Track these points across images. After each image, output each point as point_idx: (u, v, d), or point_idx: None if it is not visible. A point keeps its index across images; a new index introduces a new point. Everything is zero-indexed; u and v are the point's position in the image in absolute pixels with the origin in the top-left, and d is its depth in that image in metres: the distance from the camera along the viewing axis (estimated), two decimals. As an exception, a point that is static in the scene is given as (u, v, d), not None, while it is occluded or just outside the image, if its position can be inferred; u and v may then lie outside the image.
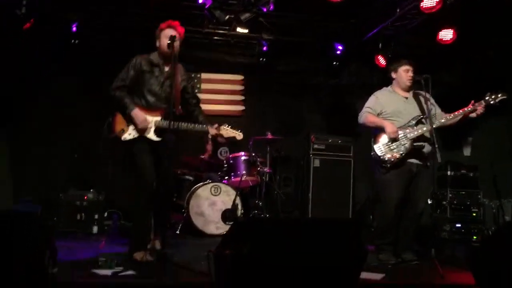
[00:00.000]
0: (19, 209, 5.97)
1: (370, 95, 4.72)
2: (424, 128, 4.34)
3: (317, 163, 7.00)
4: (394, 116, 4.48)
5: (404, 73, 4.52)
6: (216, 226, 5.78)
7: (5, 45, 6.29)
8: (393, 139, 4.37)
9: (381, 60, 6.98)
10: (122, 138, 4.08)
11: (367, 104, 4.62)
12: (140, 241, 4.05)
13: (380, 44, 6.68)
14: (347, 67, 7.83)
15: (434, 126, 4.23)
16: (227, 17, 5.81)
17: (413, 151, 4.36)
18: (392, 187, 4.39)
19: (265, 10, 5.67)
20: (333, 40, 7.25)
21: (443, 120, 4.37)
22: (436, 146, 4.06)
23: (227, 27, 6.97)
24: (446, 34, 5.86)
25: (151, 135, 4.08)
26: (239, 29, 6.27)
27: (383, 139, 4.43)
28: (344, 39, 7.23)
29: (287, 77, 7.87)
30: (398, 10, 6.05)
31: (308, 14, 6.78)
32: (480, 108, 4.26)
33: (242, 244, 2.52)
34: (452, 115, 4.37)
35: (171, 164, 4.32)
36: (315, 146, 7.05)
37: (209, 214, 5.79)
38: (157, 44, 4.16)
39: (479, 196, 7.05)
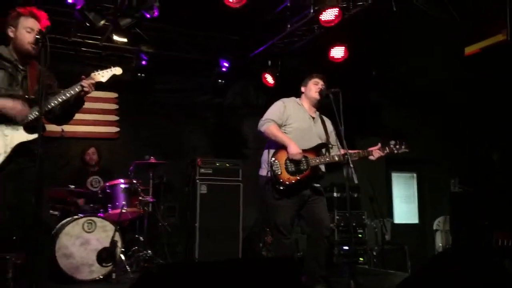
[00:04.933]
0: None
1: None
2: (327, 159, 4.00)
3: (204, 189, 6.35)
4: (299, 134, 4.05)
5: (313, 86, 4.17)
6: (90, 270, 4.80)
7: None
8: (293, 160, 3.92)
9: (269, 79, 6.72)
10: None
11: (272, 111, 4.12)
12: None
13: (269, 62, 6.38)
14: (232, 86, 7.41)
15: (337, 159, 3.94)
16: (103, 21, 4.95)
17: (310, 178, 3.98)
18: (286, 211, 3.96)
19: (148, 16, 4.95)
20: (219, 57, 6.78)
21: (336, 158, 3.99)
22: (351, 166, 3.75)
23: (98, 37, 6.11)
24: (338, 52, 5.77)
25: (23, 136, 3.11)
26: (116, 38, 5.45)
27: (282, 156, 3.94)
28: (230, 55, 6.82)
29: (168, 96, 7.19)
30: (288, 26, 5.82)
31: (192, 28, 6.27)
32: (380, 153, 4.07)
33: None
34: (350, 152, 3.97)
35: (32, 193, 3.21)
36: (202, 170, 6.40)
37: (81, 256, 4.79)
38: (12, 34, 3.20)
39: (364, 217, 7.12)
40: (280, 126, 4.05)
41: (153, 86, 7.10)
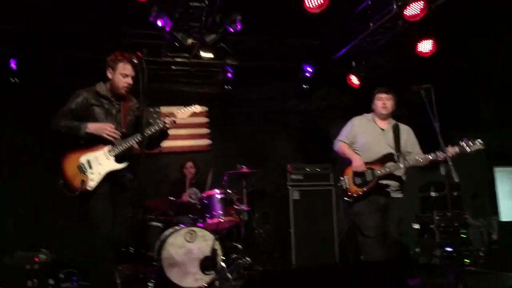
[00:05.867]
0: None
1: (343, 118, 4.57)
2: (392, 168, 4.15)
3: (296, 195, 6.42)
4: (366, 148, 4.32)
5: (377, 102, 4.38)
6: (194, 278, 5.00)
7: None
8: (359, 173, 4.21)
9: (354, 80, 6.62)
10: (88, 188, 3.49)
11: (343, 131, 4.51)
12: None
13: (353, 63, 6.29)
14: (316, 90, 7.40)
15: (402, 167, 4.13)
16: (191, 40, 5.21)
17: (377, 188, 4.19)
18: (366, 215, 4.19)
19: (232, 30, 5.12)
20: (302, 62, 6.81)
21: (412, 162, 4.15)
22: (451, 164, 3.61)
23: (186, 55, 6.41)
24: (425, 46, 5.54)
25: (114, 165, 3.58)
26: (203, 54, 5.68)
27: (350, 171, 4.29)
28: (312, 60, 6.81)
29: (254, 105, 7.38)
30: (371, 25, 5.69)
31: (273, 37, 6.35)
32: (453, 154, 3.99)
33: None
34: (422, 157, 4.13)
35: (127, 212, 3.81)
36: (293, 176, 6.49)
37: (186, 265, 5.01)
38: (110, 76, 3.67)
39: (466, 216, 6.73)
40: (351, 144, 4.38)
41: (240, 97, 7.31)
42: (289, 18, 5.64)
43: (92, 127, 3.49)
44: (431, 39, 5.53)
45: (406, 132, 4.37)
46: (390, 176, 4.17)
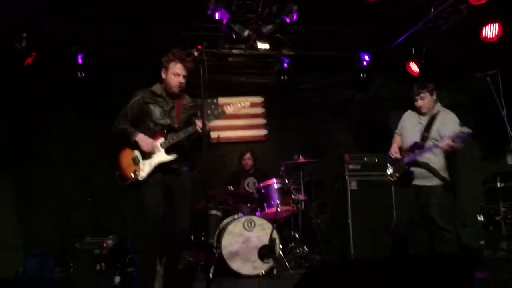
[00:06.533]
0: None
1: (401, 107, 4.81)
2: (413, 157, 4.35)
3: (354, 185, 6.36)
4: (405, 138, 4.61)
5: (415, 102, 4.52)
6: (253, 266, 5.12)
7: (5, 82, 5.81)
8: (395, 161, 4.54)
9: (414, 68, 6.43)
10: (140, 178, 3.76)
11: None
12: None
13: (413, 50, 6.11)
14: (374, 79, 7.25)
15: (419, 159, 4.31)
16: (247, 31, 5.26)
17: (410, 175, 4.42)
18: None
19: (288, 20, 5.12)
20: (359, 51, 6.70)
21: (427, 155, 4.31)
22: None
23: (243, 46, 6.48)
24: (491, 30, 5.27)
25: (163, 157, 3.78)
26: (260, 45, 5.72)
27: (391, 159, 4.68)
28: (370, 48, 6.68)
29: (310, 95, 7.33)
30: (432, 10, 5.51)
31: (329, 26, 6.28)
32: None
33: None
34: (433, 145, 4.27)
35: (187, 201, 3.90)
36: (350, 166, 6.43)
37: (244, 253, 5.13)
38: (163, 76, 3.89)
39: (536, 208, 6.39)
40: (401, 135, 4.71)
41: (296, 86, 7.28)
42: (345, 6, 5.56)
43: (139, 138, 3.73)
44: (497, 23, 5.24)
45: (441, 118, 4.37)
46: (419, 164, 4.33)
